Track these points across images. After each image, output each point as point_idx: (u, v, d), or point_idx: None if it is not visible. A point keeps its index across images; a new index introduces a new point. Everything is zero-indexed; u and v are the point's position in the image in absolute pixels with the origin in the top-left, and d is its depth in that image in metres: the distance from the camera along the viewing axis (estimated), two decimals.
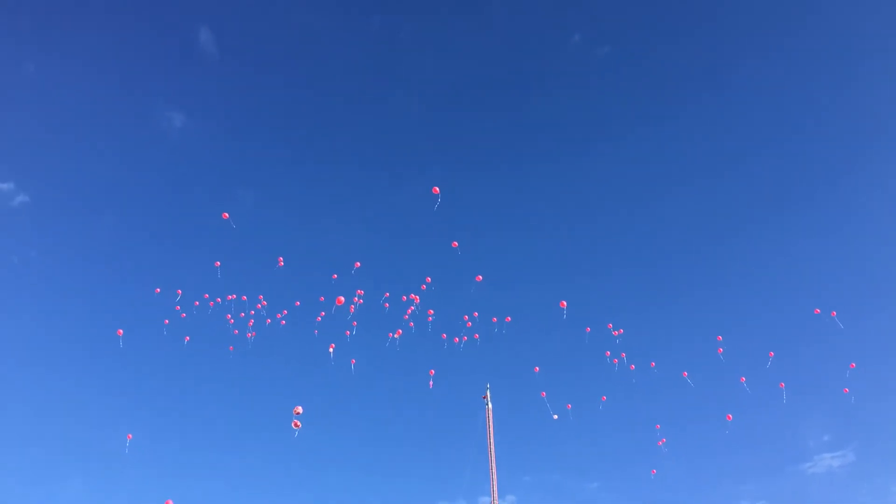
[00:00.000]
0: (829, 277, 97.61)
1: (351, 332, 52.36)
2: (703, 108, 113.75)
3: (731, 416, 59.04)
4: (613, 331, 54.21)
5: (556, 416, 54.91)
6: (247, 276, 77.91)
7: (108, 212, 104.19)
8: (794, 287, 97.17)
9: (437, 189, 47.02)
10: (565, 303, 52.10)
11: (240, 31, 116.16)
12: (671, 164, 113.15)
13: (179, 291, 53.84)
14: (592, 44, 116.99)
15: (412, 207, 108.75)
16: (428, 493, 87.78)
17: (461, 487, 65.34)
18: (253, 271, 75.95)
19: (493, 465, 62.40)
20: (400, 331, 52.81)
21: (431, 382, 55.16)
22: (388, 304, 54.05)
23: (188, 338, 56.01)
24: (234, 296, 53.69)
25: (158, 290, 56.21)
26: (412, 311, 52.78)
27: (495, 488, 61.65)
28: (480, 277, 54.48)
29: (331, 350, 51.28)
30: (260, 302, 53.87)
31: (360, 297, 51.96)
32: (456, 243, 51.76)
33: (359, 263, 51.48)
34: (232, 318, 53.81)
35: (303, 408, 42.62)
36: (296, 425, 42.14)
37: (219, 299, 53.40)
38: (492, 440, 63.39)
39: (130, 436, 51.74)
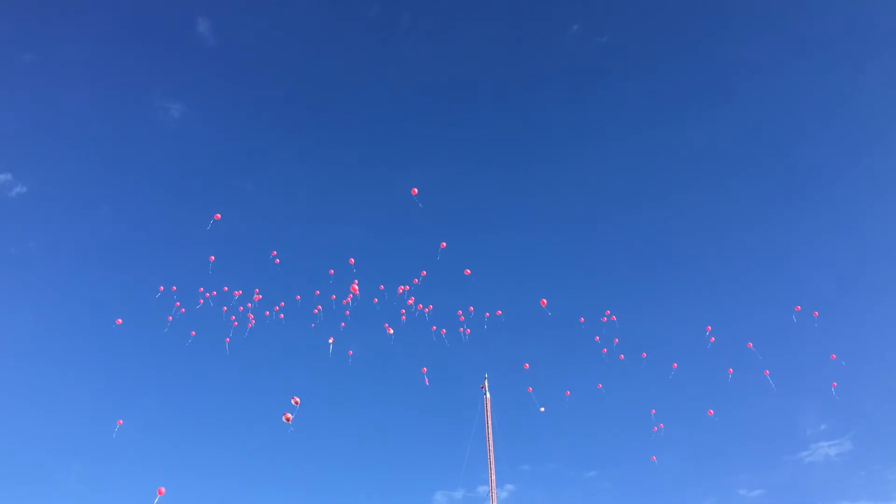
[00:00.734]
0: (827, 269, 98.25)
1: (346, 323, 52.74)
2: (703, 100, 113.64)
3: (712, 411, 60.03)
4: (607, 318, 56.00)
5: (542, 409, 56.99)
6: (244, 268, 78.39)
7: (106, 203, 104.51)
8: (791, 279, 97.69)
9: (416, 190, 48.61)
10: (545, 301, 54.11)
11: (238, 22, 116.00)
12: (668, 157, 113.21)
13: (174, 288, 54.03)
14: (591, 34, 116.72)
15: (411, 199, 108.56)
16: (427, 483, 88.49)
17: (460, 477, 65.59)
18: (251, 263, 76.18)
19: (492, 454, 62.71)
20: (391, 329, 53.43)
21: (427, 380, 55.66)
22: (377, 300, 54.60)
23: (193, 332, 56.26)
24: (231, 290, 53.91)
25: (162, 288, 56.37)
26: (412, 302, 53.07)
27: (493, 478, 61.99)
28: (469, 271, 55.40)
29: (330, 342, 51.58)
30: (255, 295, 54.03)
31: (356, 289, 52.16)
32: (444, 244, 52.41)
33: (353, 260, 52.01)
34: (228, 309, 53.97)
35: (300, 399, 42.70)
36: (286, 418, 42.16)
37: (214, 292, 53.51)
38: (490, 430, 63.71)
39: (121, 421, 52.30)
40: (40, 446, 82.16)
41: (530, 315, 59.74)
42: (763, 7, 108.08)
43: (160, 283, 55.29)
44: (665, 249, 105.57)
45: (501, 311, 57.02)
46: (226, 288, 53.83)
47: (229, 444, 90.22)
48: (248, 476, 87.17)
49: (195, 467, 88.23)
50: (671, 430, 67.10)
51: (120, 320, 56.93)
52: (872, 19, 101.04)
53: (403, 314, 54.85)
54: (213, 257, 55.19)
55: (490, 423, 63.68)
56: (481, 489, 61.83)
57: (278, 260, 54.79)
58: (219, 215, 52.29)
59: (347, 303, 51.75)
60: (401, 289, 52.63)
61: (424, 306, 54.01)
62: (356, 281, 51.51)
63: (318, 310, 54.10)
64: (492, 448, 62.67)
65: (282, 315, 55.92)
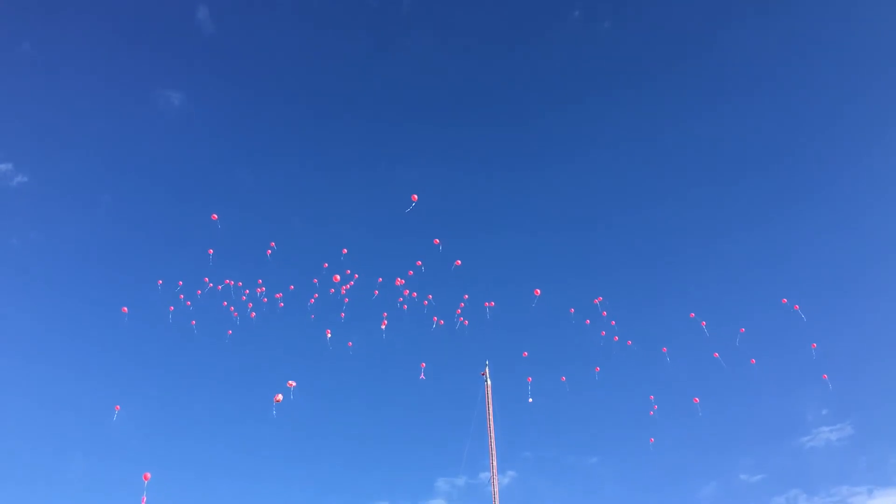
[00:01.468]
0: (829, 256, 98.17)
1: (345, 314, 53.24)
2: (704, 86, 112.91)
3: (697, 399, 62.49)
4: (597, 303, 58.51)
5: (531, 400, 59.68)
6: (244, 258, 78.54)
7: (107, 192, 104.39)
8: (792, 268, 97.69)
9: (416, 196, 50.02)
10: (539, 290, 56.09)
11: (237, 10, 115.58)
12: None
13: (181, 283, 54.59)
14: (593, 19, 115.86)
15: (411, 188, 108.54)
16: (429, 470, 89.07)
17: (462, 463, 66.10)
18: (250, 252, 76.28)
19: (493, 441, 63.07)
20: (385, 323, 54.11)
21: (423, 375, 56.43)
22: (377, 292, 55.11)
23: (194, 321, 56.89)
24: (232, 281, 54.26)
25: (161, 282, 56.82)
26: (408, 294, 53.52)
27: (495, 464, 62.36)
28: (459, 262, 56.69)
29: (328, 335, 52.10)
30: (258, 287, 54.45)
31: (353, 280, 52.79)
32: (437, 240, 53.67)
33: (346, 250, 52.67)
34: (229, 301, 54.39)
35: (295, 383, 43.32)
36: (277, 399, 42.83)
37: (219, 286, 53.93)
38: (491, 417, 64.00)
39: (118, 407, 53.05)
40: (41, 438, 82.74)
41: (527, 305, 60.02)
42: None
43: (161, 272, 55.90)
44: (668, 246, 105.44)
45: (496, 303, 59.22)
46: (227, 281, 54.26)
47: (231, 430, 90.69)
48: (248, 465, 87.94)
49: (197, 455, 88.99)
50: (672, 417, 67.55)
51: (125, 308, 57.49)
52: (872, 20, 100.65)
53: (404, 299, 55.53)
54: (211, 250, 55.68)
55: (491, 409, 64.09)
56: (483, 476, 62.26)
57: (270, 251, 55.16)
58: (216, 215, 52.97)
59: (346, 291, 52.23)
60: (398, 281, 53.07)
61: (423, 298, 54.66)
62: (348, 271, 52.34)
63: (315, 298, 54.61)
64: (493, 435, 63.10)
65: (281, 304, 56.44)
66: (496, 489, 60.68)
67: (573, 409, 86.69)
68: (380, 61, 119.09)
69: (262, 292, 54.46)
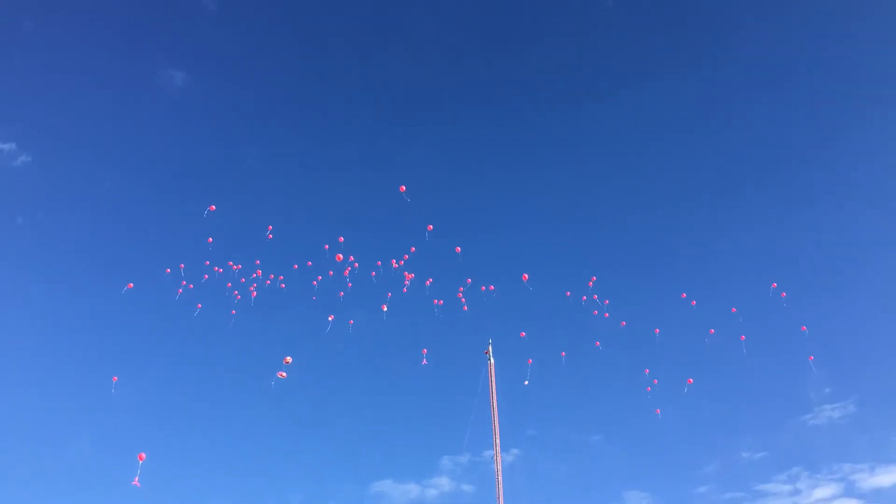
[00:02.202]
0: (830, 233, 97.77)
1: (345, 294, 53.62)
2: (711, 60, 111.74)
3: (691, 380, 63.02)
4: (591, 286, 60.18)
5: (526, 383, 60.45)
6: (247, 237, 78.57)
7: (111, 171, 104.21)
8: (792, 250, 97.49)
9: (403, 188, 51.99)
10: (527, 276, 58.14)
11: None
12: (671, 118, 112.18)
13: (182, 266, 54.80)
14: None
15: (416, 164, 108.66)
16: (433, 448, 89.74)
17: (465, 442, 66.55)
18: (253, 232, 76.02)
19: (496, 419, 63.39)
20: (385, 307, 54.84)
21: (425, 360, 56.88)
22: (374, 273, 55.54)
23: (200, 305, 57.01)
24: (235, 262, 54.47)
25: (169, 270, 57.05)
26: (411, 278, 53.99)
27: (498, 442, 62.76)
28: (459, 248, 58.62)
29: (330, 320, 52.65)
30: (256, 270, 54.72)
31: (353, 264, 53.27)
32: (431, 226, 55.28)
33: (342, 238, 53.48)
34: (233, 283, 54.63)
35: (291, 359, 43.69)
36: (281, 375, 43.30)
37: (215, 269, 54.13)
38: (494, 395, 64.28)
39: (116, 378, 53.21)
40: (49, 410, 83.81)
41: (526, 292, 60.78)
42: None
43: (165, 251, 55.88)
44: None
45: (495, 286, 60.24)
46: (230, 263, 54.49)
47: (233, 412, 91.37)
48: (250, 443, 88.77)
49: (199, 434, 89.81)
50: (674, 395, 67.73)
51: (131, 284, 57.51)
52: (873, 20, 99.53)
53: (407, 281, 55.89)
54: (210, 239, 55.98)
55: (494, 388, 64.37)
56: (487, 454, 62.68)
57: (271, 235, 55.37)
58: (213, 206, 53.27)
59: (347, 274, 52.58)
60: (394, 262, 53.70)
61: (422, 282, 55.31)
62: (351, 257, 52.73)
63: (318, 280, 54.96)
64: (496, 413, 63.41)
65: (283, 285, 56.71)
66: (499, 466, 61.18)
67: (576, 388, 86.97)
68: (384, 39, 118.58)
69: (259, 275, 54.78)
